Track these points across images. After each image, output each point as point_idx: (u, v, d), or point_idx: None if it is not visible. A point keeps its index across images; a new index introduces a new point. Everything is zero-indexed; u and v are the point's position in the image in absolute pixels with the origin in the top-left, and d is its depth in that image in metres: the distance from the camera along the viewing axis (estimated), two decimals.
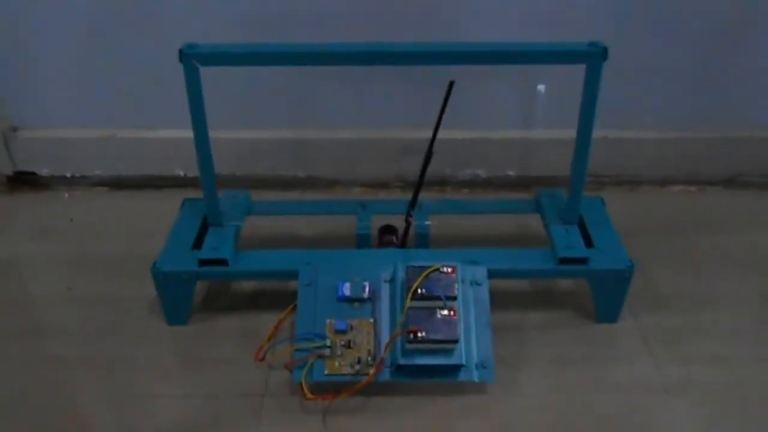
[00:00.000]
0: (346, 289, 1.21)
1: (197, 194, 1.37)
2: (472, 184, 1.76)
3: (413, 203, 1.33)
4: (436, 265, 1.15)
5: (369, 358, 1.15)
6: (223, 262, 1.27)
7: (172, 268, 1.28)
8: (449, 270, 1.15)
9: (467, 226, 1.52)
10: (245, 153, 1.70)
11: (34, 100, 1.67)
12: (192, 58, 1.14)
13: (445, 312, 1.10)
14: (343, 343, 1.17)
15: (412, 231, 1.36)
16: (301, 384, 1.13)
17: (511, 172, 1.75)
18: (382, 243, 1.38)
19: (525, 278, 1.36)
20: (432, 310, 1.11)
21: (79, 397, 1.20)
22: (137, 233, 1.56)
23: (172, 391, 1.22)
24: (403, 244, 1.35)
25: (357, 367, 1.14)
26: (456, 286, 1.14)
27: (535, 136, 1.67)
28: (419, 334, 1.08)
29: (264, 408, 1.17)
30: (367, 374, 1.12)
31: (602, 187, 1.76)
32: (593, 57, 1.13)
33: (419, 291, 1.12)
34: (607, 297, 1.31)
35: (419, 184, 1.31)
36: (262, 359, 1.23)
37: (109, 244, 1.56)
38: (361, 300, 1.20)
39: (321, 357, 1.15)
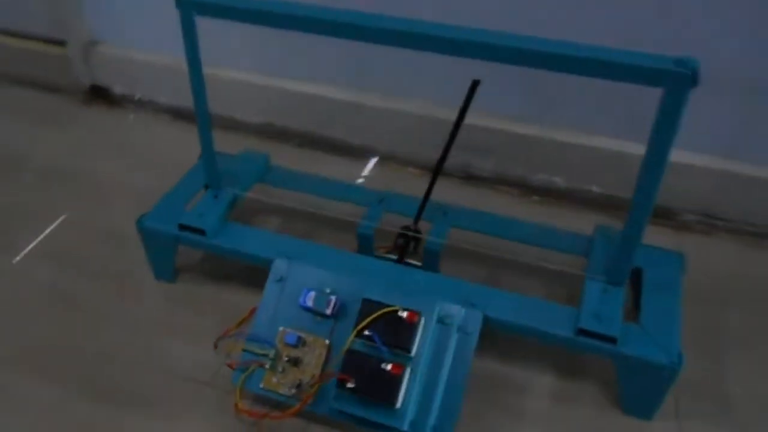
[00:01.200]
0: (309, 299, 1.04)
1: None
2: (546, 192, 1.45)
3: (420, 214, 1.10)
4: (395, 307, 0.92)
5: (310, 384, 0.99)
6: (200, 231, 1.15)
7: (154, 225, 1.20)
8: (409, 315, 0.92)
9: (500, 245, 1.23)
10: (303, 107, 1.55)
11: (115, 17, 1.65)
12: (188, 6, 1.00)
13: (389, 367, 0.89)
14: (288, 358, 1.01)
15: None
16: (237, 389, 1.01)
17: (596, 188, 1.42)
18: (393, 248, 1.17)
19: (530, 337, 1.07)
20: (376, 359, 0.91)
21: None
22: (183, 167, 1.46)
23: (119, 347, 1.16)
24: (400, 259, 1.13)
25: (294, 390, 0.99)
26: (415, 337, 0.92)
27: (637, 151, 1.31)
28: (348, 384, 0.89)
29: (202, 398, 1.07)
30: (301, 401, 0.96)
31: (712, 232, 1.36)
32: (677, 80, 0.80)
33: (365, 333, 0.91)
34: (640, 390, 1.01)
35: (428, 191, 1.07)
36: (216, 347, 1.12)
37: (150, 174, 1.49)
38: (323, 315, 1.02)
39: (261, 366, 1.01)
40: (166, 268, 1.26)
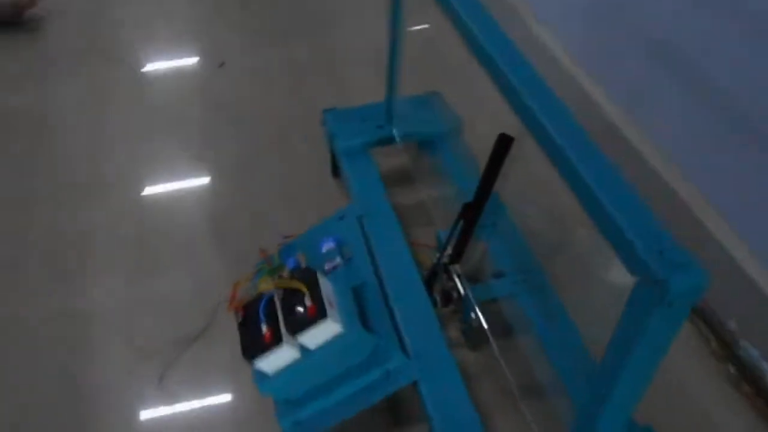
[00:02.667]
0: (325, 246, 1.09)
1: None
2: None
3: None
4: (303, 288, 0.91)
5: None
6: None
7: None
8: (311, 309, 0.90)
9: None
10: None
11: None
12: None
13: (264, 329, 0.92)
14: (278, 276, 1.10)
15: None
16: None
17: None
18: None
19: None
20: (261, 321, 0.94)
21: None
22: None
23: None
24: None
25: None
26: (297, 326, 0.91)
27: None
28: (240, 315, 0.96)
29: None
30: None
31: None
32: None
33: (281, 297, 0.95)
34: None
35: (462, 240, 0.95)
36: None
37: None
38: (319, 264, 1.07)
39: (268, 269, 1.13)
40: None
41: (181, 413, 1.11)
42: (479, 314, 1.04)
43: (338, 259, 1.09)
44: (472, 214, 0.92)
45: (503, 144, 0.81)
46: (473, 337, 1.11)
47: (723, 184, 1.12)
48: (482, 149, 0.92)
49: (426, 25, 1.84)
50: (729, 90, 1.07)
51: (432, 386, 0.94)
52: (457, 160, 1.30)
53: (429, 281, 1.08)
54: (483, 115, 1.39)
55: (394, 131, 1.30)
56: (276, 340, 0.94)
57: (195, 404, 1.12)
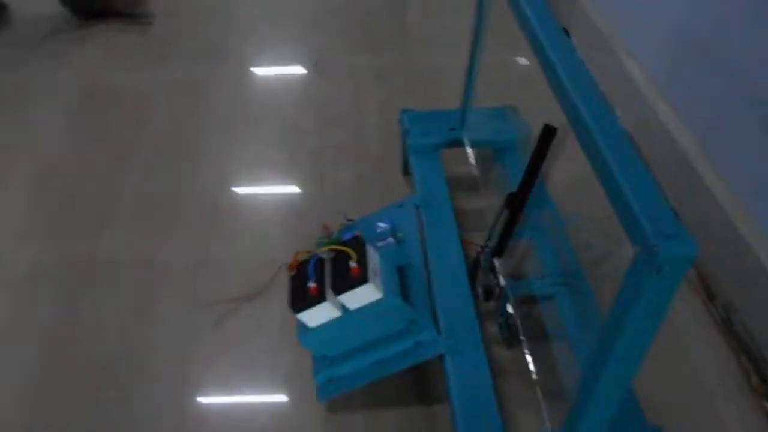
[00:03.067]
0: (379, 226, 1.18)
1: None
2: None
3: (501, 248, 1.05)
4: (351, 252, 1.00)
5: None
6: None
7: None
8: (354, 268, 0.99)
9: None
10: None
11: None
12: None
13: (310, 284, 1.02)
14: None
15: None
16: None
17: None
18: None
19: None
20: (310, 278, 1.04)
21: None
22: None
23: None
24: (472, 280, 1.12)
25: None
26: (342, 283, 0.99)
27: None
28: (292, 275, 1.06)
29: None
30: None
31: None
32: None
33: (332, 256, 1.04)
34: None
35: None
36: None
37: None
38: (371, 241, 1.16)
39: (319, 243, 1.22)
40: None
41: (227, 357, 1.22)
42: (512, 309, 1.08)
43: (390, 239, 1.17)
44: (515, 204, 0.97)
45: (547, 134, 0.87)
46: (508, 333, 1.15)
47: None
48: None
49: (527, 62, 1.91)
50: None
51: (457, 363, 0.99)
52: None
53: (472, 272, 1.13)
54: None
55: (464, 135, 1.38)
56: (320, 297, 1.03)
57: (240, 351, 1.22)
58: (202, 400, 1.16)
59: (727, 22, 1.24)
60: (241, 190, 1.55)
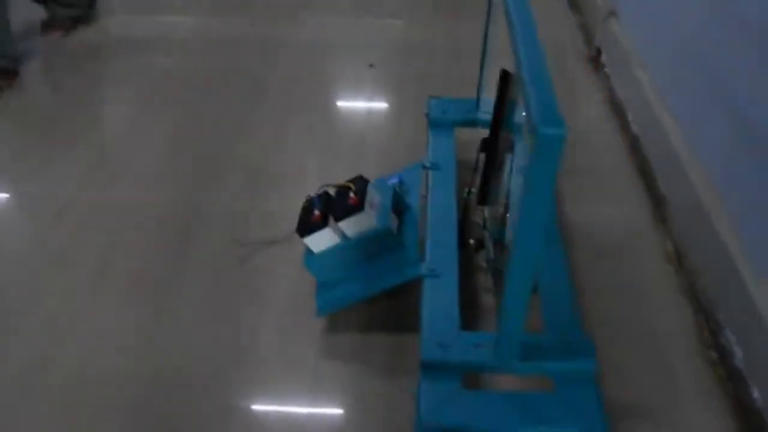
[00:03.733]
0: (391, 179, 1.36)
1: None
2: None
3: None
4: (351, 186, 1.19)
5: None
6: None
7: None
8: (352, 199, 1.18)
9: None
10: None
11: None
12: None
13: (315, 213, 1.22)
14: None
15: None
16: None
17: None
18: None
19: None
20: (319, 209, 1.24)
21: None
22: None
23: None
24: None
25: None
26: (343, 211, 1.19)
27: None
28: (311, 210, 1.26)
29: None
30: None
31: None
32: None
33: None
34: None
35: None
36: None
37: None
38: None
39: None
40: None
41: (249, 283, 1.41)
42: (492, 250, 1.23)
43: (396, 188, 1.34)
44: (489, 148, 1.13)
45: (504, 79, 1.03)
46: (496, 278, 1.28)
47: None
48: None
49: None
50: None
51: (433, 284, 1.14)
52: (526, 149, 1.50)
53: (462, 218, 1.29)
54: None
55: (479, 116, 1.55)
56: (323, 223, 1.22)
57: (261, 281, 1.41)
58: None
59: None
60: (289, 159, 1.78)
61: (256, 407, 1.18)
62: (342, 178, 1.30)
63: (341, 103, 2.01)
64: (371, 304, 1.31)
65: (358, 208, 1.20)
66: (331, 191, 1.28)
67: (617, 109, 1.87)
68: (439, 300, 1.12)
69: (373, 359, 1.24)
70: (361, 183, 1.24)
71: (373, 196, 1.24)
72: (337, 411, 1.17)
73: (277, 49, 2.26)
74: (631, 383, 1.18)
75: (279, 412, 1.18)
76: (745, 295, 1.13)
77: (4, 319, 1.35)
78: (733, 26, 1.28)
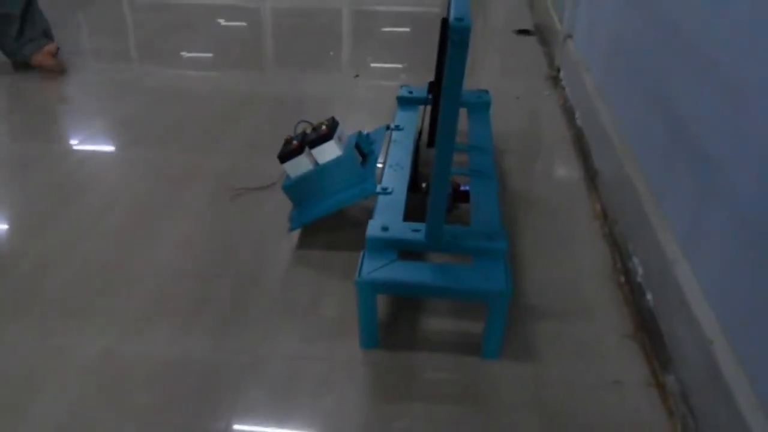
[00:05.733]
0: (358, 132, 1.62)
1: None
2: None
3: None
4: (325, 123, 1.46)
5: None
6: None
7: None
8: (323, 131, 1.44)
9: None
10: None
11: None
12: None
13: (295, 142, 1.48)
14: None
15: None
16: None
17: None
18: None
19: None
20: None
21: None
22: None
23: None
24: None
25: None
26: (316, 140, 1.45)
27: None
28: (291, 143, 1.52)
29: None
30: None
31: None
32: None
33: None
34: None
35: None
36: None
37: None
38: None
39: None
40: None
41: (236, 217, 1.64)
42: None
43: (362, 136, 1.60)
44: (435, 90, 1.38)
45: (444, 26, 1.30)
46: None
47: None
48: None
49: None
50: None
51: (384, 198, 1.38)
52: (475, 128, 1.76)
53: (415, 166, 1.53)
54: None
55: None
56: (299, 151, 1.47)
57: (246, 213, 1.64)
58: None
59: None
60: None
61: None
62: None
63: None
64: (335, 230, 1.55)
65: (328, 136, 1.45)
66: (308, 129, 1.54)
67: (567, 110, 2.17)
68: (388, 204, 1.35)
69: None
70: (333, 122, 1.50)
71: (342, 133, 1.50)
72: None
73: None
74: (549, 296, 1.39)
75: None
76: (648, 228, 1.36)
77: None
78: (657, 27, 1.57)
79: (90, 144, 2.01)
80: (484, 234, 1.24)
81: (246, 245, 1.54)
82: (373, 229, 1.24)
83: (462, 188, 1.52)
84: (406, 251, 1.24)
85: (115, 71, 2.56)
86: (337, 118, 1.52)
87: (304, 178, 1.48)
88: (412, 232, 1.24)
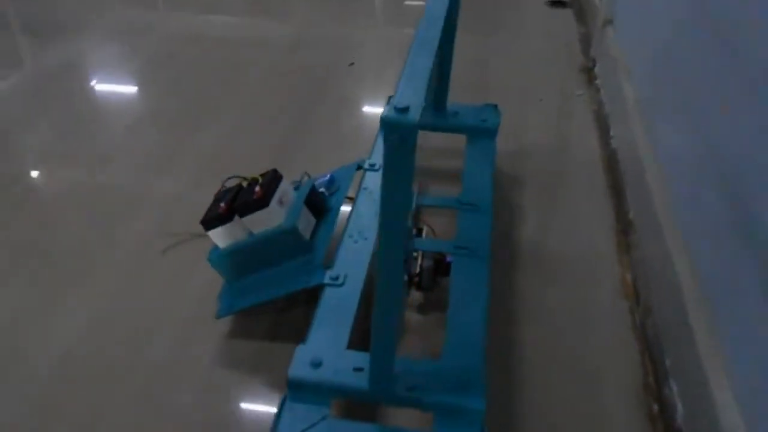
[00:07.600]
0: (320, 180, 1.25)
1: None
2: None
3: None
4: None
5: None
6: None
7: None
8: (258, 193, 1.07)
9: None
10: None
11: None
12: None
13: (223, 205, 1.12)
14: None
15: None
16: None
17: None
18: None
19: None
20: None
21: None
22: None
23: None
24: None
25: None
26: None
27: None
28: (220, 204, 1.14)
29: None
30: None
31: None
32: None
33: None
34: None
35: None
36: None
37: None
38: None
39: None
40: None
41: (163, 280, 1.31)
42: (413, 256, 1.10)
43: (323, 190, 1.23)
44: None
45: None
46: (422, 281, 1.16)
47: None
48: None
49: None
50: None
51: (332, 294, 1.02)
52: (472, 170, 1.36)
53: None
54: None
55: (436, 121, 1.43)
56: (228, 218, 1.11)
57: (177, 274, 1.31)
58: None
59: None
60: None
61: None
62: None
63: None
64: (285, 309, 1.20)
65: (262, 203, 1.08)
66: (244, 183, 1.17)
67: (601, 120, 1.73)
68: (334, 308, 0.99)
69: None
70: (271, 177, 1.13)
71: (285, 192, 1.13)
72: None
73: None
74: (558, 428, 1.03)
75: None
76: (693, 352, 0.96)
77: None
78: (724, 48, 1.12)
79: None
80: (454, 380, 0.87)
81: (167, 331, 1.20)
82: (299, 364, 0.89)
83: (448, 260, 1.15)
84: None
85: None
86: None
87: (236, 251, 1.13)
88: (354, 372, 0.88)
